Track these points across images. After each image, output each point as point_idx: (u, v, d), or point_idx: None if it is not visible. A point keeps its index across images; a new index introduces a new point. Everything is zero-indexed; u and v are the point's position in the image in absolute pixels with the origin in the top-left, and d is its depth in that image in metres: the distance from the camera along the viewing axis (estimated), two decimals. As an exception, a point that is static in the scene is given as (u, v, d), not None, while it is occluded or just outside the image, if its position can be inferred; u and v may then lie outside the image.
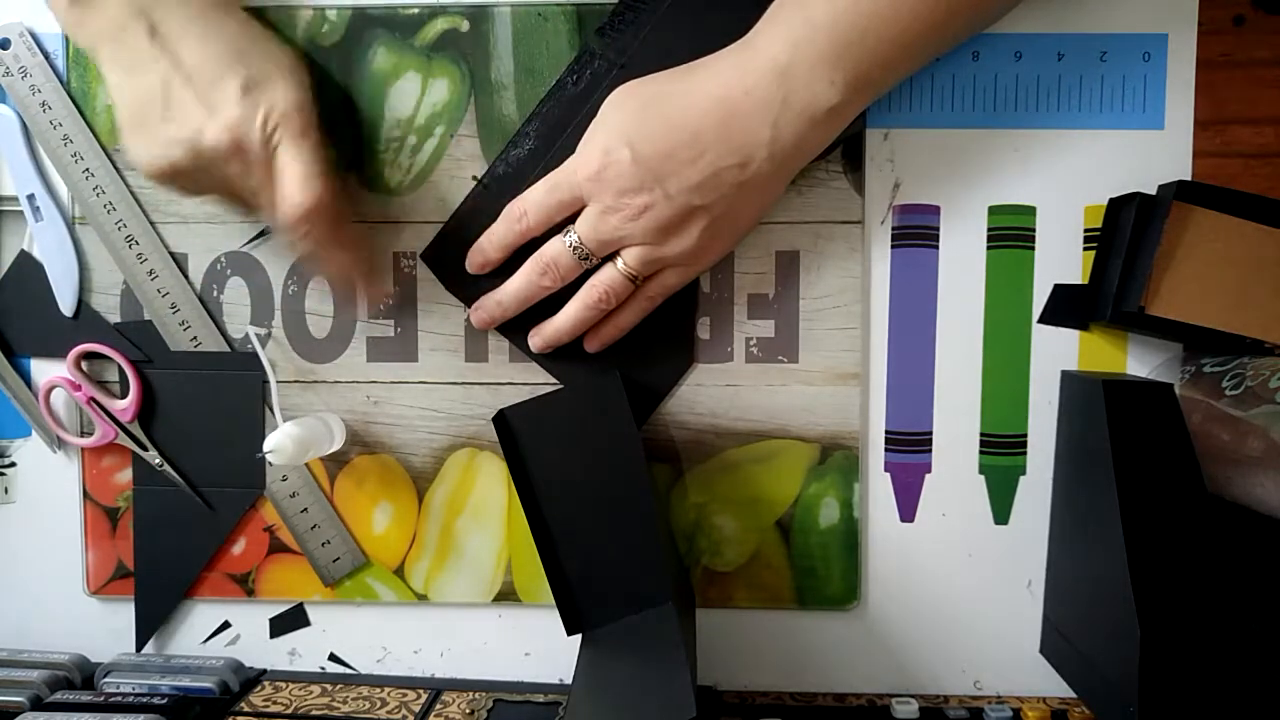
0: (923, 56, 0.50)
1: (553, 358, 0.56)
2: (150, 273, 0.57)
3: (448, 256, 0.56)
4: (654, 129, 0.48)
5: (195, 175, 0.49)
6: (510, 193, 0.53)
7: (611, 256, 0.51)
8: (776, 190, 0.52)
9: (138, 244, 0.57)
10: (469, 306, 0.55)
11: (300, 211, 0.48)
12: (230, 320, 0.57)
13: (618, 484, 0.50)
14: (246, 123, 0.47)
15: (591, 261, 0.51)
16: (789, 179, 0.52)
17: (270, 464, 0.53)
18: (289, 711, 0.55)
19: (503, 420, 0.51)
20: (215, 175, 0.49)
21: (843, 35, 0.46)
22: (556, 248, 0.51)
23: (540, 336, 0.55)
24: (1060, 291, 0.55)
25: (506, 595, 0.58)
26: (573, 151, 0.51)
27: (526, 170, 0.54)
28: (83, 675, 0.58)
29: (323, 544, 0.58)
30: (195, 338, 0.57)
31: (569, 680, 0.57)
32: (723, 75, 0.48)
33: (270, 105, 0.47)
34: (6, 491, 0.59)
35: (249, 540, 0.58)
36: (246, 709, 0.55)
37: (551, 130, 0.54)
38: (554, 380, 0.56)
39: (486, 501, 0.57)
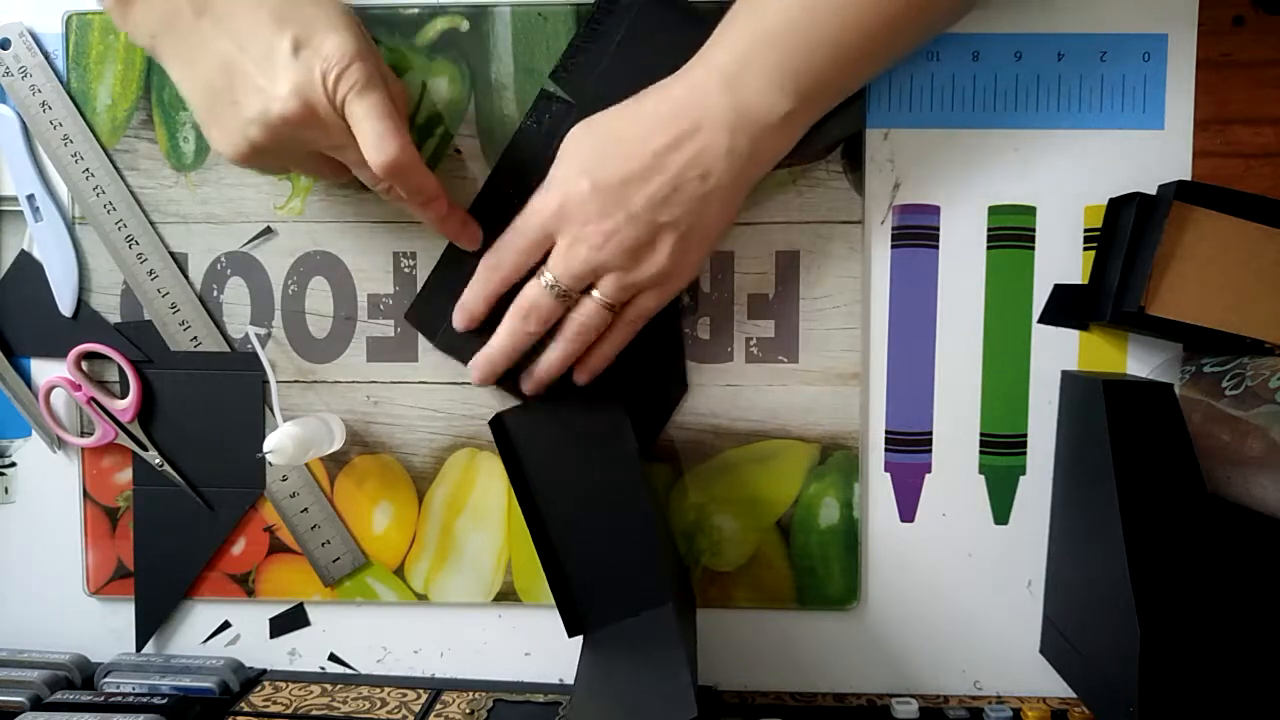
0: (877, 64, 0.50)
1: (551, 393, 0.54)
2: (150, 273, 0.57)
3: (432, 315, 0.55)
4: (611, 155, 0.48)
5: (280, 150, 0.47)
6: (487, 241, 0.53)
7: (589, 289, 0.50)
8: (738, 199, 0.51)
9: (138, 244, 0.57)
10: (464, 363, 0.55)
11: (380, 171, 0.45)
12: (230, 320, 0.57)
13: (616, 484, 0.50)
14: (307, 83, 0.44)
15: (571, 298, 0.50)
16: (750, 187, 0.51)
17: (270, 464, 0.53)
18: (289, 711, 0.55)
19: (499, 424, 0.50)
20: (299, 145, 0.47)
21: (793, 43, 0.47)
22: (533, 291, 0.50)
23: (531, 380, 0.53)
24: (1060, 291, 0.55)
25: (506, 595, 0.58)
26: None
27: (498, 217, 0.53)
28: (83, 675, 0.58)
29: (323, 544, 0.58)
30: (195, 338, 0.57)
31: (569, 680, 0.57)
32: (676, 93, 0.48)
33: (325, 59, 0.44)
34: (6, 491, 0.59)
35: (249, 540, 0.58)
36: (246, 709, 0.55)
37: (520, 175, 0.54)
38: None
39: (486, 501, 0.57)
